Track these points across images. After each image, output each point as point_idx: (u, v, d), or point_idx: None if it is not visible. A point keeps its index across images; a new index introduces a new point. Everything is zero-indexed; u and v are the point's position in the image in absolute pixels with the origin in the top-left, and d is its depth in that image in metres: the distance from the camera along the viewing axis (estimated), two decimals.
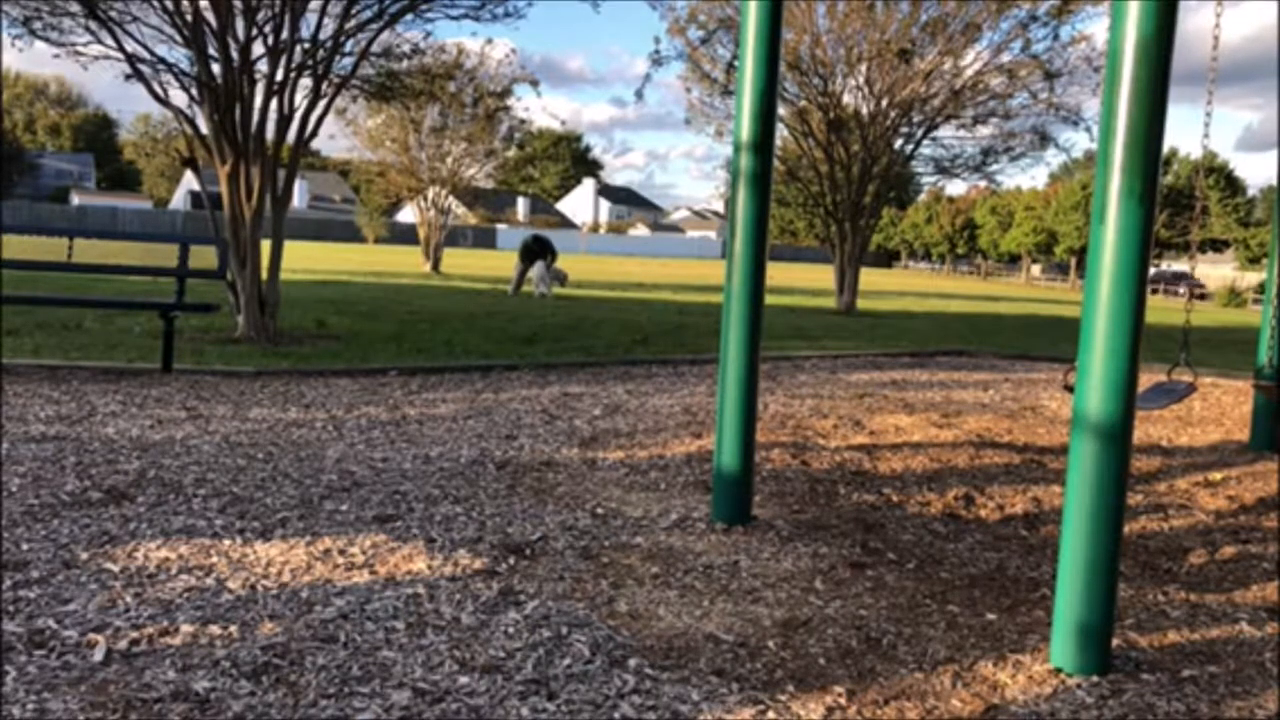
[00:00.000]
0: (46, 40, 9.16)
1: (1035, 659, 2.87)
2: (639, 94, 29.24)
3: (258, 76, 9.01)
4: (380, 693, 2.47)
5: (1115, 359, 2.70)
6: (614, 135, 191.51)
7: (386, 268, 26.73)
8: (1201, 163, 5.62)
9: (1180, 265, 52.49)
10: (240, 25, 8.79)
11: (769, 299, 4.24)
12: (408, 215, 42.63)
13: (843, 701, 2.55)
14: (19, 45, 9.32)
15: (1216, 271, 48.37)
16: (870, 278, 28.80)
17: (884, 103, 17.08)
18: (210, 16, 8.67)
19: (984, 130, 18.41)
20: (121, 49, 8.86)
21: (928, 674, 2.74)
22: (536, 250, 19.01)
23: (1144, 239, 2.68)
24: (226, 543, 3.53)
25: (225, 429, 5.39)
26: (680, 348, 10.33)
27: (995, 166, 19.31)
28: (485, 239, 61.88)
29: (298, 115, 9.26)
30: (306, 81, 9.41)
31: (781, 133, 17.73)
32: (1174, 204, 48.18)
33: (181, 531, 3.62)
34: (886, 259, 74.34)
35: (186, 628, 2.79)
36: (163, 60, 9.13)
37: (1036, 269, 63.61)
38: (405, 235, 47.85)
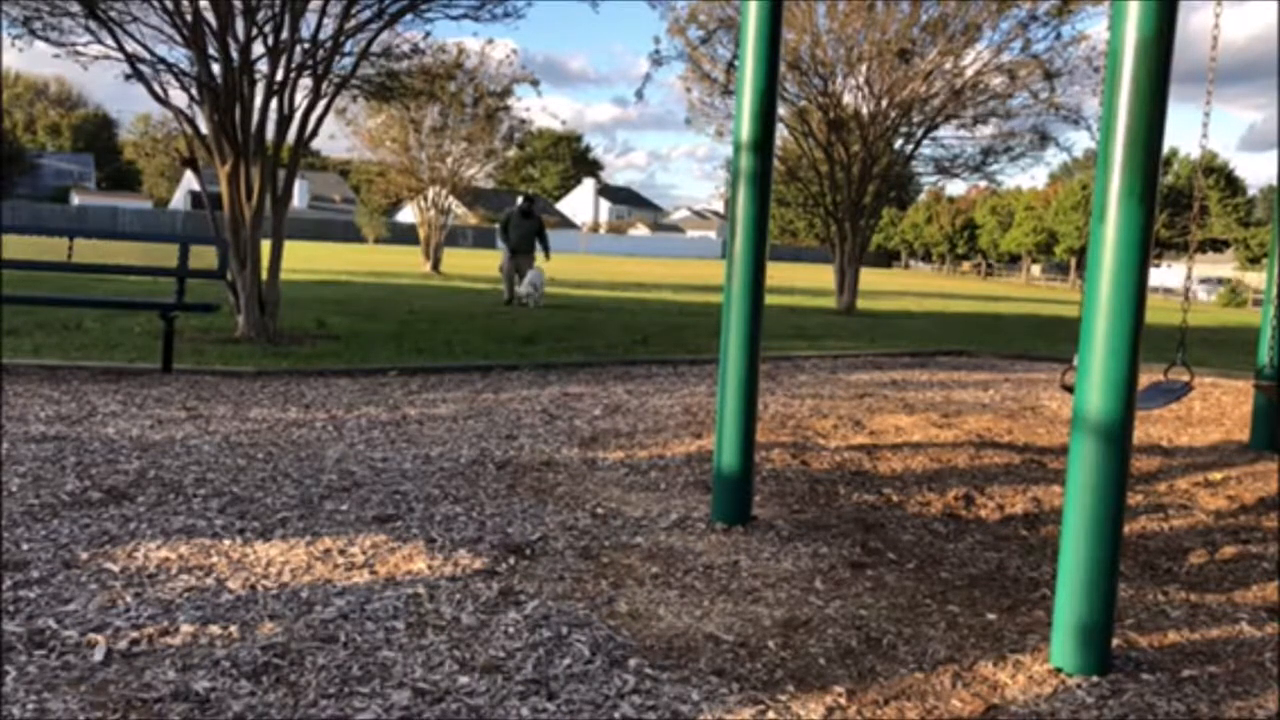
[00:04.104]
0: (46, 40, 9.17)
1: (1035, 659, 2.87)
2: (639, 94, 29.34)
3: (258, 76, 9.01)
4: (380, 693, 2.47)
5: (1115, 359, 2.70)
6: (616, 135, 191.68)
7: (386, 268, 26.73)
8: (1201, 162, 5.62)
9: (1180, 265, 52.52)
10: (240, 25, 8.79)
11: (769, 299, 4.24)
12: (408, 215, 42.64)
13: (843, 701, 2.55)
14: (19, 45, 9.32)
15: (1216, 271, 48.38)
16: (870, 278, 28.80)
17: (884, 103, 17.08)
18: (210, 16, 8.66)
19: (984, 130, 18.43)
20: (121, 49, 8.86)
21: (928, 674, 2.74)
22: (528, 228, 15.36)
23: (1144, 239, 2.68)
24: (226, 543, 3.53)
25: (225, 429, 5.39)
26: (680, 348, 10.33)
27: (995, 166, 19.33)
28: (485, 239, 61.88)
29: (298, 115, 9.26)
30: (306, 81, 9.41)
31: (781, 133, 17.72)
32: (1174, 204, 48.20)
33: (181, 531, 3.62)
34: (886, 259, 74.35)
35: (186, 628, 2.79)
36: (163, 60, 9.14)
37: (1036, 269, 63.62)
38: (405, 235, 47.81)
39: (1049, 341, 13.64)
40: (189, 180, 59.33)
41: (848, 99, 17.57)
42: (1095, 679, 2.74)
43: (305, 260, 25.84)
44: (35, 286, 10.58)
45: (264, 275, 9.13)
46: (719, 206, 78.01)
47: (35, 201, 53.72)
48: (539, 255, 15.67)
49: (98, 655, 2.59)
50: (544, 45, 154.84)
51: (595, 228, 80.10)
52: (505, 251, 15.75)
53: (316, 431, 5.47)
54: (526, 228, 15.46)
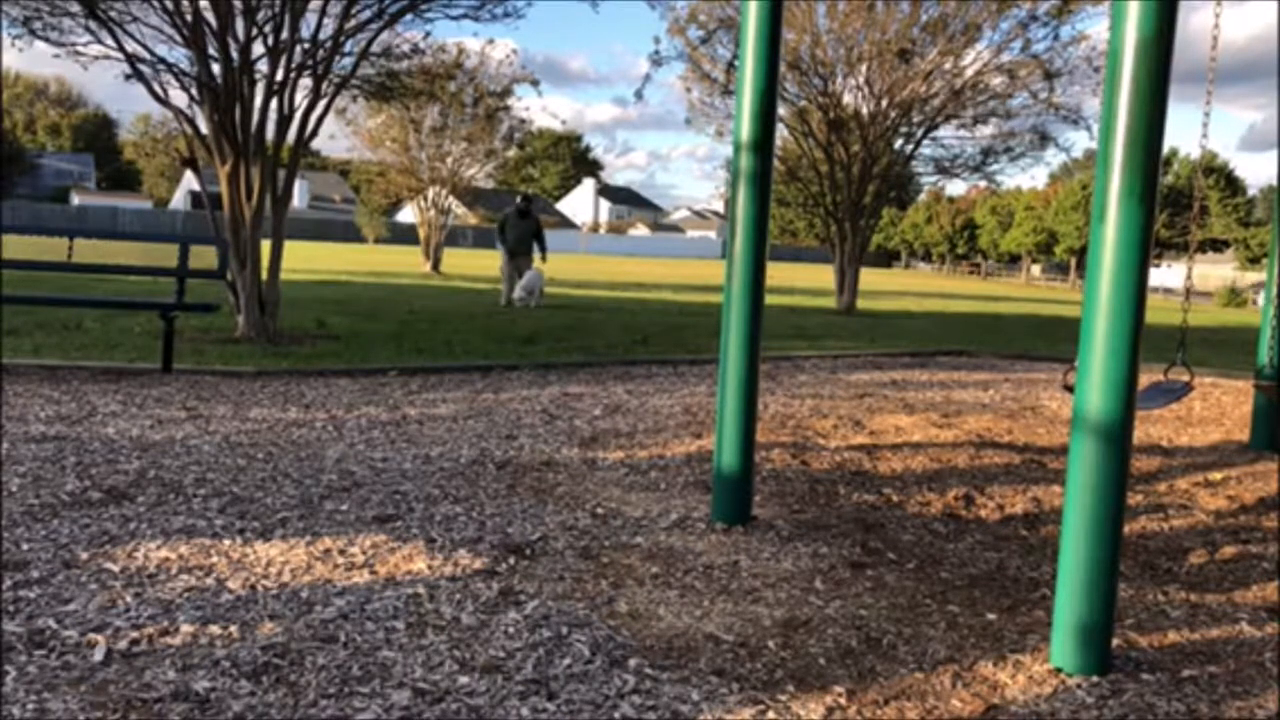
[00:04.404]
0: (46, 40, 9.17)
1: (1035, 659, 2.87)
2: (639, 94, 29.42)
3: (258, 76, 9.01)
4: (380, 693, 2.47)
5: (1115, 359, 2.70)
6: (616, 135, 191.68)
7: (386, 268, 26.73)
8: (1201, 162, 5.62)
9: (1180, 265, 52.55)
10: (240, 25, 8.79)
11: (769, 299, 4.24)
12: (408, 215, 42.67)
13: (843, 701, 2.55)
14: (19, 45, 9.32)
15: (1217, 271, 48.38)
16: (870, 278, 28.81)
17: (884, 103, 17.08)
18: (210, 16, 8.67)
19: (984, 130, 18.43)
20: (121, 49, 8.86)
21: (928, 674, 2.74)
22: (525, 228, 15.22)
23: (1144, 239, 2.68)
24: (226, 543, 3.53)
25: (225, 429, 5.39)
26: (680, 348, 10.33)
27: (995, 166, 19.32)
28: (485, 239, 61.84)
29: (298, 115, 9.26)
30: (306, 81, 9.41)
31: (781, 133, 17.72)
32: (1174, 204, 48.22)
33: (181, 531, 3.62)
34: (886, 259, 74.35)
35: (186, 628, 2.79)
36: (163, 60, 9.14)
37: (1036, 269, 63.64)
38: (405, 235, 47.83)
39: (1049, 341, 13.64)
40: (189, 180, 59.33)
41: (848, 99, 17.59)
42: (1095, 679, 2.74)
43: (305, 260, 25.84)
44: (35, 286, 10.58)
45: (264, 275, 9.13)
46: (719, 206, 77.99)
47: (35, 201, 53.72)
48: (536, 257, 15.60)
49: (98, 655, 2.59)
50: (544, 45, 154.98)
51: (595, 228, 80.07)
52: (504, 252, 15.63)
53: (316, 431, 5.47)
54: (524, 228, 15.33)
